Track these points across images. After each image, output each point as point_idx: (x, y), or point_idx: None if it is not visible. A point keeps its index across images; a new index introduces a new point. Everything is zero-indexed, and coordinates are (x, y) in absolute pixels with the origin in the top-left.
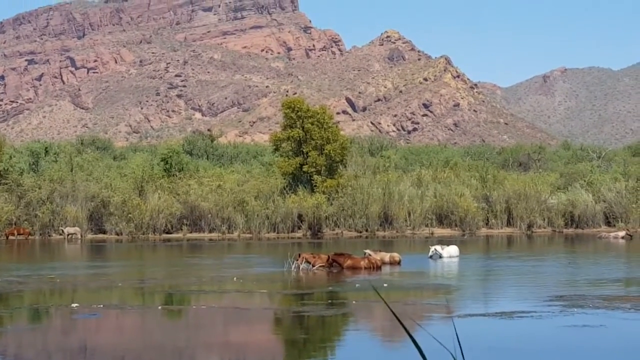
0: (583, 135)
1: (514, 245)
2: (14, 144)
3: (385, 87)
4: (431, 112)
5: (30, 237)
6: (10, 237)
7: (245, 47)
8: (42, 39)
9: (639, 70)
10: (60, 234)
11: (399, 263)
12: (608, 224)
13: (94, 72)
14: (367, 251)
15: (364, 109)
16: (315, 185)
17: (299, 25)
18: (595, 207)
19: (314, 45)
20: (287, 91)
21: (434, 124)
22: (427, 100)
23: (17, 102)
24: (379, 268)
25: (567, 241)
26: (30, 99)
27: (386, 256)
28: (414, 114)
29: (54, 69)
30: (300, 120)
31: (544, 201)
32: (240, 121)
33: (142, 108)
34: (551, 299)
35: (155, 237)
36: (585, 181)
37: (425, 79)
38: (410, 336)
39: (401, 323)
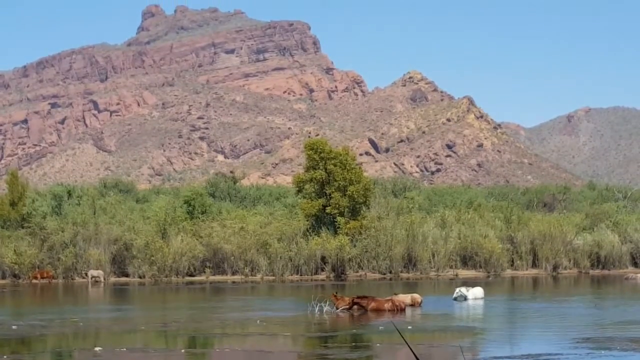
0: (608, 175)
1: (539, 286)
2: (37, 187)
3: (408, 128)
4: (454, 152)
5: (53, 280)
6: (34, 281)
7: (267, 89)
8: (65, 82)
9: None
10: (84, 277)
11: (420, 304)
12: (635, 264)
13: (116, 115)
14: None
15: (387, 150)
16: (339, 227)
17: (321, 66)
18: (622, 247)
19: (336, 87)
20: (310, 133)
21: (457, 164)
22: (451, 141)
23: (40, 146)
24: (402, 310)
25: (593, 282)
26: (54, 142)
27: (407, 298)
28: (437, 155)
29: (77, 112)
30: (323, 162)
31: (569, 242)
32: (262, 163)
33: (164, 150)
34: (578, 341)
35: (178, 280)
36: (611, 222)
37: (449, 120)
38: None
39: None
